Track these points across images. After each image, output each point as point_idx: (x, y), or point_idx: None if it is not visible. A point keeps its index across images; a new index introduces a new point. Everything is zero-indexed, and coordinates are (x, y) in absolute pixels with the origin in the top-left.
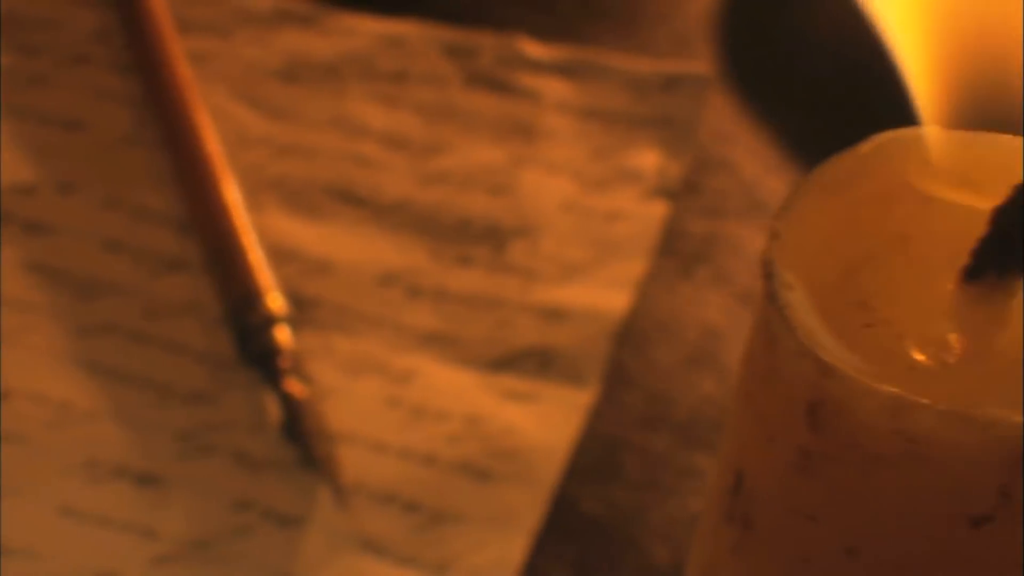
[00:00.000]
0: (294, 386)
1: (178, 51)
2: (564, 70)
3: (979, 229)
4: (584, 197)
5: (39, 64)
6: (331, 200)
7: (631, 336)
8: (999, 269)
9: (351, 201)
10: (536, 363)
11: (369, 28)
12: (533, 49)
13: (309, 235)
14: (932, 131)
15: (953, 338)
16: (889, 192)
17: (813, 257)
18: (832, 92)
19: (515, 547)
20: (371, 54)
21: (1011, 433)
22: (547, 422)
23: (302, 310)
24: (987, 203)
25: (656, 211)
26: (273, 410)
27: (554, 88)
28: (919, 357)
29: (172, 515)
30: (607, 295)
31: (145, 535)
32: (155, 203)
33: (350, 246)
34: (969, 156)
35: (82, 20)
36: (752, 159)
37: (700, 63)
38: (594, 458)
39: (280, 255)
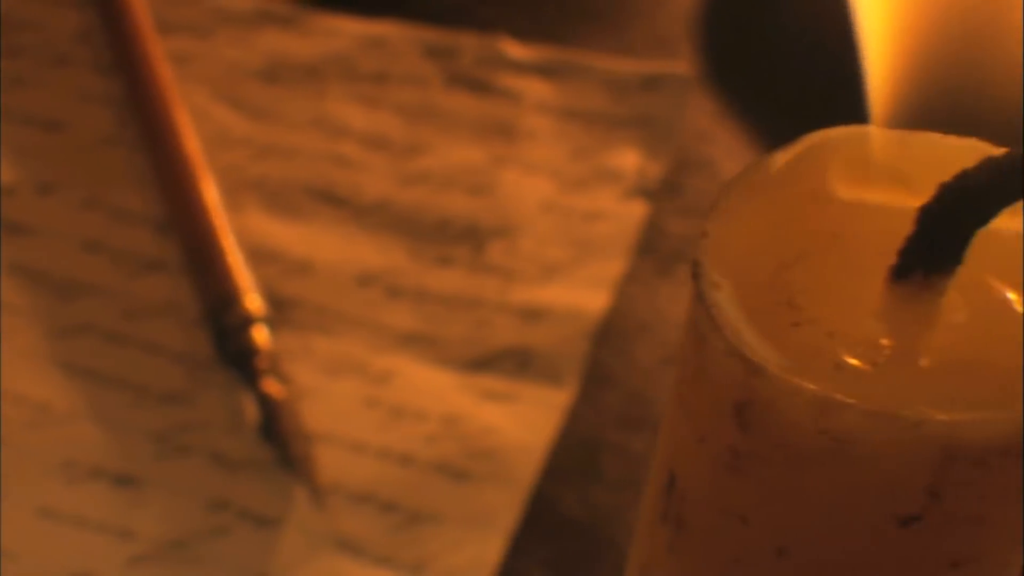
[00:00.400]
0: (271, 386)
1: (159, 52)
2: (544, 70)
3: (910, 228)
4: (564, 197)
5: (20, 65)
6: (311, 200)
7: (610, 336)
8: (926, 268)
9: (331, 201)
10: (515, 363)
11: (350, 29)
12: (514, 49)
13: (289, 235)
14: (867, 130)
15: (882, 337)
16: (821, 191)
17: (744, 256)
18: (812, 92)
19: (492, 547)
20: (352, 55)
21: (938, 432)
22: (525, 422)
23: (281, 310)
24: (920, 202)
25: (635, 211)
26: (250, 410)
27: (534, 88)
28: (847, 356)
29: (149, 515)
30: (586, 295)
31: (122, 535)
32: (134, 204)
33: (330, 246)
34: (905, 155)
35: (64, 21)
36: (732, 159)
37: (680, 63)
38: (572, 458)
39: (260, 255)
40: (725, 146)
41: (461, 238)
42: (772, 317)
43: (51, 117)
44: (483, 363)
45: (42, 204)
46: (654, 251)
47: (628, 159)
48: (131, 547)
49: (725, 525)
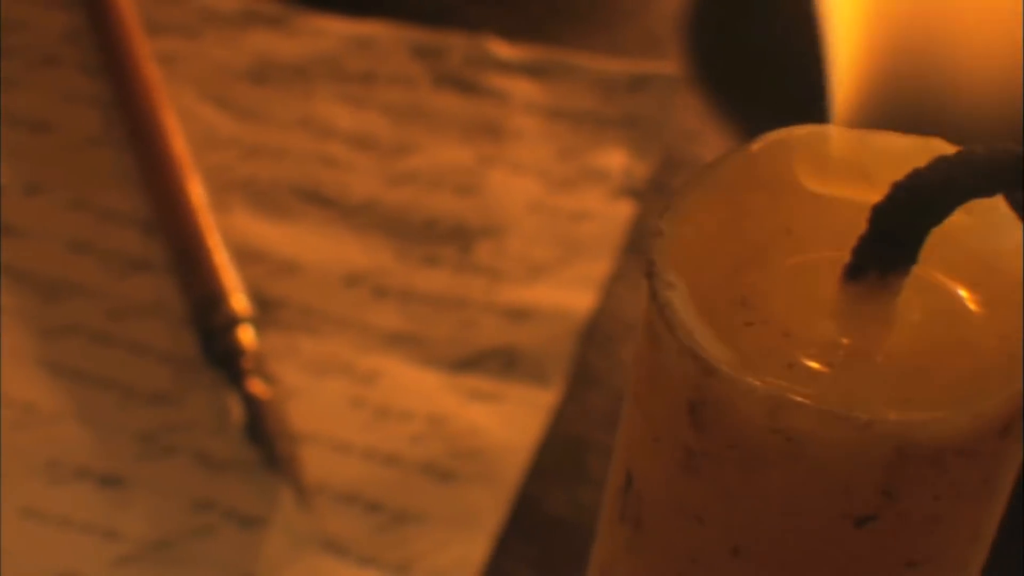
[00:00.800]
0: (257, 387)
1: (146, 52)
2: (532, 70)
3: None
4: (551, 197)
5: (8, 66)
6: (298, 200)
7: (596, 336)
8: (880, 268)
9: (318, 201)
10: (501, 363)
11: (337, 29)
12: (501, 49)
13: (276, 236)
14: (824, 129)
15: (836, 337)
16: (778, 189)
17: (699, 255)
18: (799, 92)
19: (477, 547)
20: (339, 55)
21: (891, 432)
22: (511, 422)
23: (268, 311)
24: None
25: (622, 211)
26: (236, 411)
27: (522, 88)
28: (802, 356)
29: (134, 516)
30: (573, 295)
31: (107, 536)
32: (121, 204)
33: (317, 246)
34: (863, 153)
35: (51, 22)
36: None
37: (668, 63)
38: (558, 458)
39: (247, 255)
40: (712, 146)
41: (448, 238)
42: (726, 316)
43: (39, 118)
44: (469, 363)
45: (30, 205)
46: (641, 251)
47: (615, 159)
48: (116, 547)
49: (681, 525)
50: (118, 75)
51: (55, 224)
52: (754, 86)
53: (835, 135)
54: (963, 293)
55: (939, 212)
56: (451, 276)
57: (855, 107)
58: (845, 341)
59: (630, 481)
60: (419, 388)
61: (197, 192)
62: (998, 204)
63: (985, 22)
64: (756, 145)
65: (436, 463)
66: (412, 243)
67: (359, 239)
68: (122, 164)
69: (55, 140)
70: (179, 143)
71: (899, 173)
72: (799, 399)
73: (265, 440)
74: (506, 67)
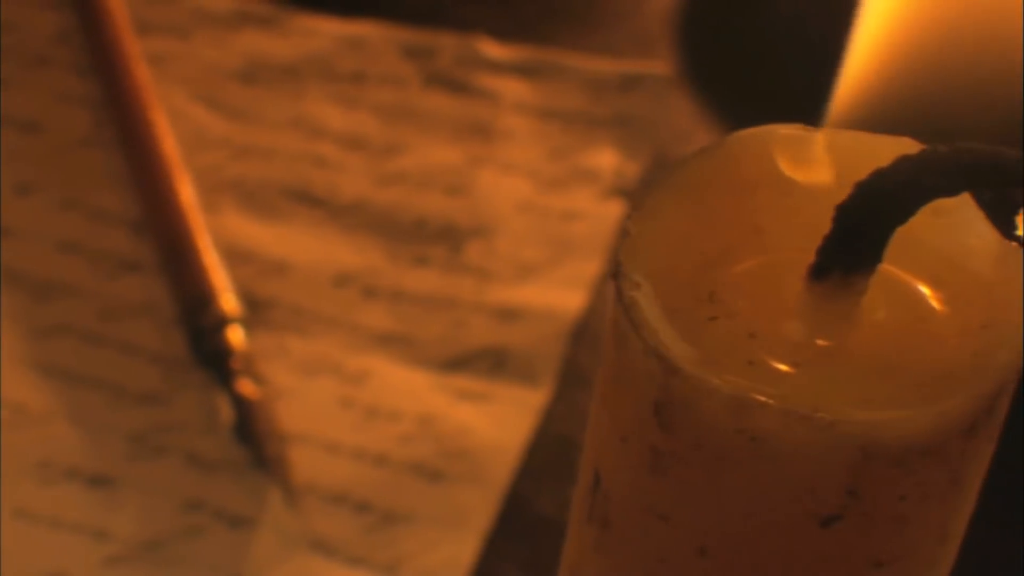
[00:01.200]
0: (246, 387)
1: (137, 52)
2: (523, 70)
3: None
4: (541, 197)
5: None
6: (288, 201)
7: (586, 336)
8: (844, 268)
9: (308, 202)
10: (490, 363)
11: (328, 29)
12: (492, 49)
13: (265, 236)
14: (793, 128)
15: (802, 337)
16: (748, 189)
17: (668, 254)
18: (791, 92)
19: (466, 547)
20: (330, 55)
21: (854, 432)
22: (501, 422)
23: (257, 311)
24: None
25: (613, 211)
26: (225, 411)
27: (512, 88)
28: (766, 355)
29: (124, 516)
30: (562, 295)
31: (97, 536)
32: (112, 204)
33: (306, 247)
34: (833, 153)
35: (42, 23)
36: None
37: (659, 63)
38: (547, 458)
39: (237, 256)
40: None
41: (438, 238)
42: (692, 314)
43: (29, 118)
44: (459, 363)
45: (21, 205)
46: None
47: (606, 159)
48: (106, 547)
49: (648, 525)
50: (109, 75)
51: (46, 224)
52: (745, 86)
53: (806, 134)
54: (929, 292)
55: (902, 212)
56: (441, 276)
57: (854, 107)
58: (811, 340)
59: (598, 481)
60: (408, 388)
61: (187, 192)
62: (965, 203)
63: (986, 25)
64: (726, 144)
65: (425, 463)
66: (402, 243)
67: (349, 239)
68: (112, 164)
69: (46, 141)
70: (169, 143)
71: (869, 173)
72: (763, 399)
73: (254, 440)
74: (497, 67)
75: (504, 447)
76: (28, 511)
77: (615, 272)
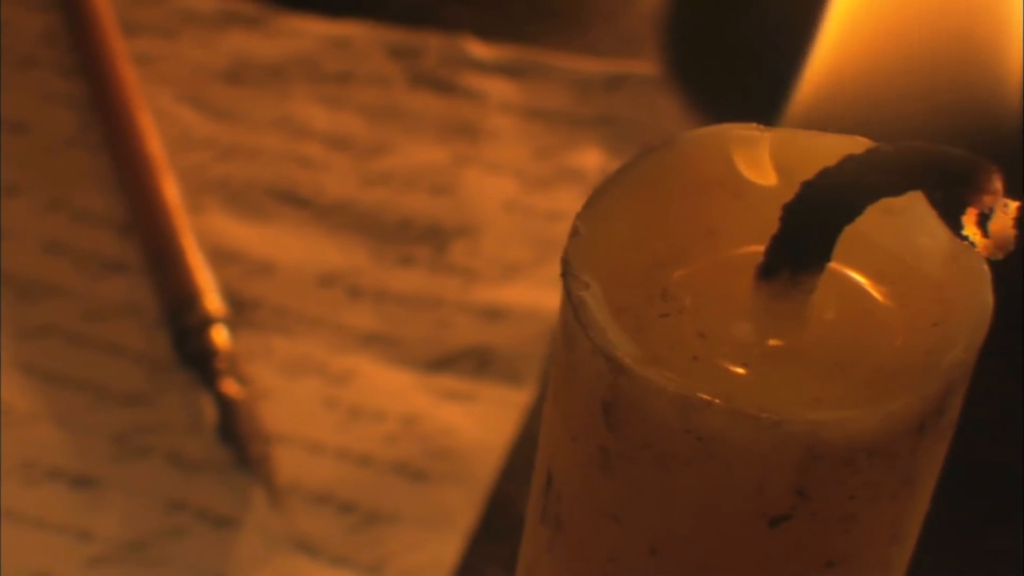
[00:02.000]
0: (230, 387)
1: (123, 52)
2: (508, 70)
3: None
4: (526, 197)
5: None
6: (273, 201)
7: None
8: (792, 267)
9: (293, 202)
10: (475, 363)
11: (314, 29)
12: (478, 49)
13: (250, 236)
14: (749, 127)
15: (751, 336)
16: (701, 188)
17: (619, 254)
18: (777, 92)
19: (450, 547)
20: (316, 55)
21: (801, 431)
22: (484, 422)
23: (242, 311)
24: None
25: None
26: (209, 411)
27: (498, 88)
28: (714, 355)
29: (107, 516)
30: (547, 295)
31: (80, 536)
32: (98, 205)
33: (291, 247)
34: (788, 152)
35: (29, 23)
36: None
37: (645, 63)
38: (531, 458)
39: (222, 256)
40: None
41: (423, 238)
42: (642, 312)
43: (16, 119)
44: (443, 363)
45: (7, 206)
46: None
47: (591, 159)
48: (90, 548)
49: (599, 524)
50: (94, 76)
51: (31, 225)
52: (730, 86)
53: (760, 134)
54: (879, 291)
55: (849, 211)
56: (426, 276)
57: (813, 108)
58: (760, 340)
59: (550, 481)
60: (393, 388)
61: (172, 192)
62: (916, 202)
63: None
64: (678, 144)
65: (409, 463)
66: (387, 243)
67: (334, 239)
68: (99, 165)
69: (32, 141)
70: (155, 144)
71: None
72: (709, 398)
73: (238, 440)
74: (482, 67)
75: (488, 447)
76: (11, 512)
77: (563, 272)
